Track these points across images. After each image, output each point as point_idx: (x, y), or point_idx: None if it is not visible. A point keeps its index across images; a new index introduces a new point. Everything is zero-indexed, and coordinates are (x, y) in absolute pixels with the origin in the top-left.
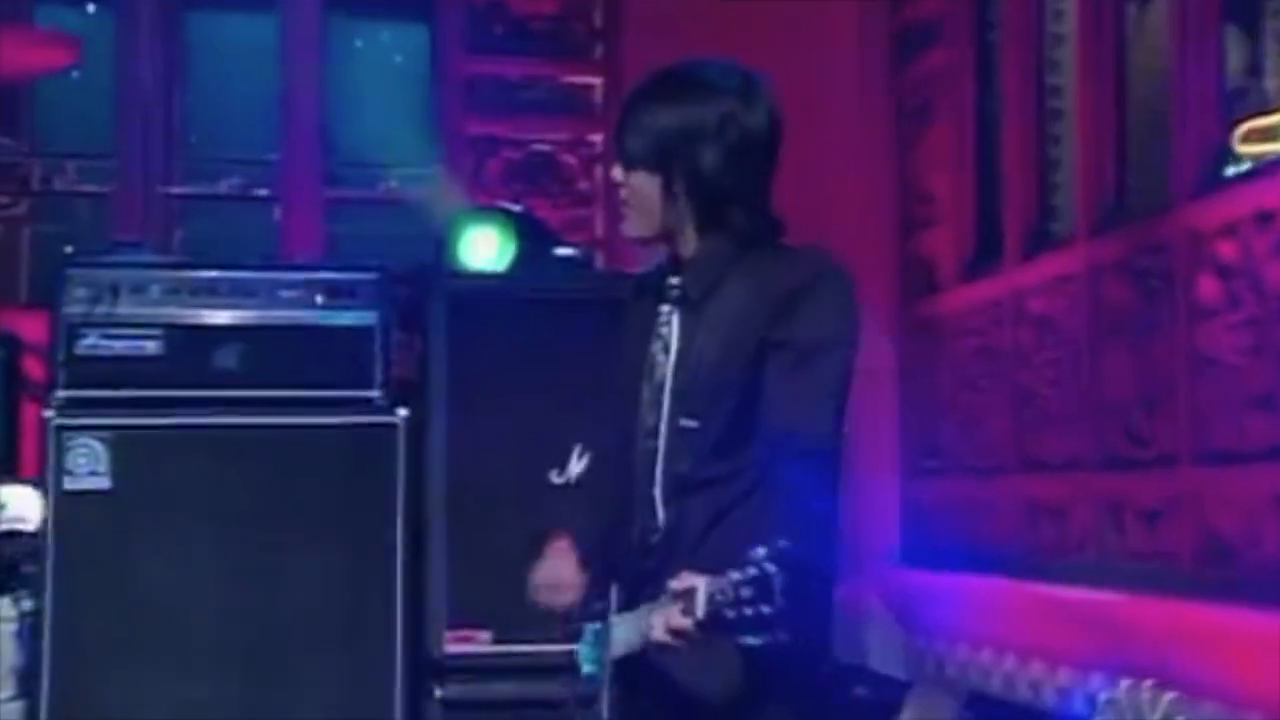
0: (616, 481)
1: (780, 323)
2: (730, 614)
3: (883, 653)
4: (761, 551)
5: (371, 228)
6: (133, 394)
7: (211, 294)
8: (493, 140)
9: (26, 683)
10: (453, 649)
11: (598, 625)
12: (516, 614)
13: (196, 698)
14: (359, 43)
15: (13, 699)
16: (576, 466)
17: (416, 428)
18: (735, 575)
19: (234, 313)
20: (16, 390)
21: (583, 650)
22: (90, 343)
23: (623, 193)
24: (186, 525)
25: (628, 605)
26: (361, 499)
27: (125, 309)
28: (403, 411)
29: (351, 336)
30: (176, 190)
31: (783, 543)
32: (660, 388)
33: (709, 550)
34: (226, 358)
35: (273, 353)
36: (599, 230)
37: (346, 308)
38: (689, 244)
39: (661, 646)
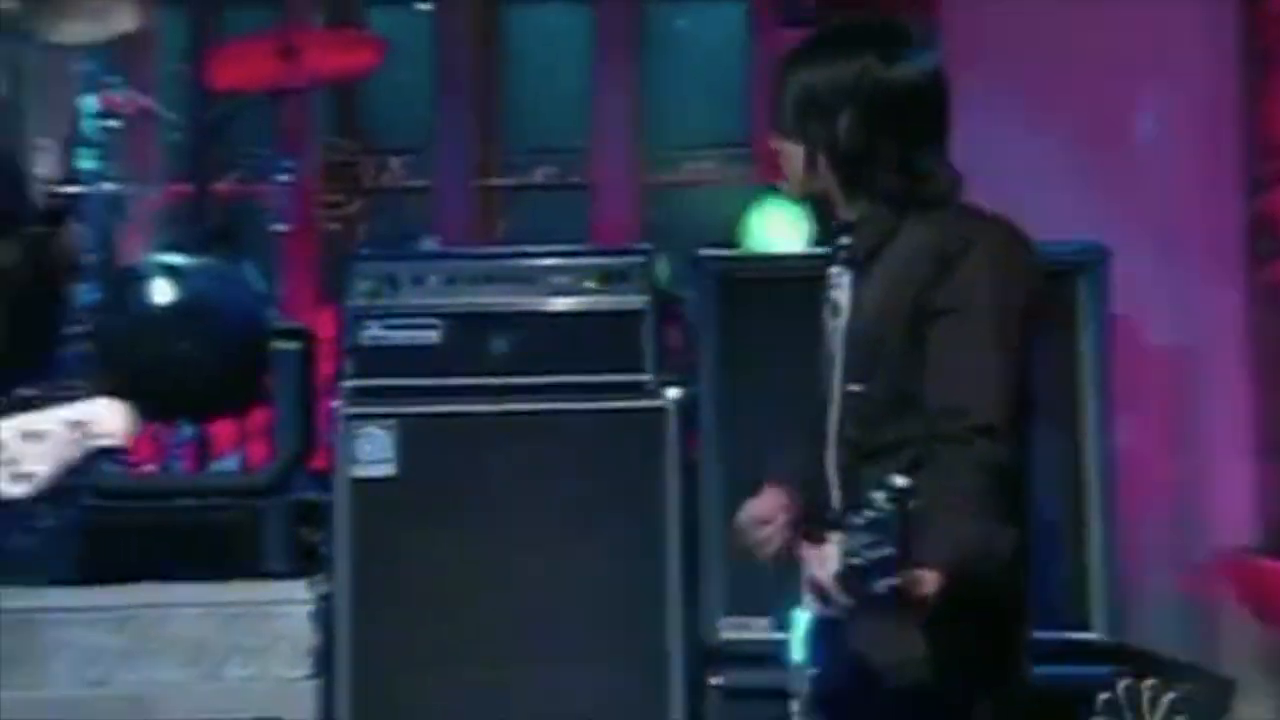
0: (808, 451)
1: (935, 289)
2: (857, 561)
3: (1234, 648)
4: (880, 495)
5: (685, 212)
6: (414, 382)
7: (487, 281)
8: None
9: (321, 662)
10: (730, 636)
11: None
12: (795, 600)
13: (481, 680)
14: (681, 22)
15: (308, 678)
16: None
17: (687, 410)
18: (859, 521)
19: (508, 299)
20: (312, 383)
21: (793, 639)
22: (373, 333)
23: (779, 159)
24: (468, 509)
25: None
26: (635, 482)
27: (405, 299)
28: (673, 394)
29: (622, 320)
30: (495, 182)
31: (900, 481)
32: (832, 354)
33: None
34: (501, 344)
35: (546, 338)
36: None
37: (617, 291)
38: (847, 207)
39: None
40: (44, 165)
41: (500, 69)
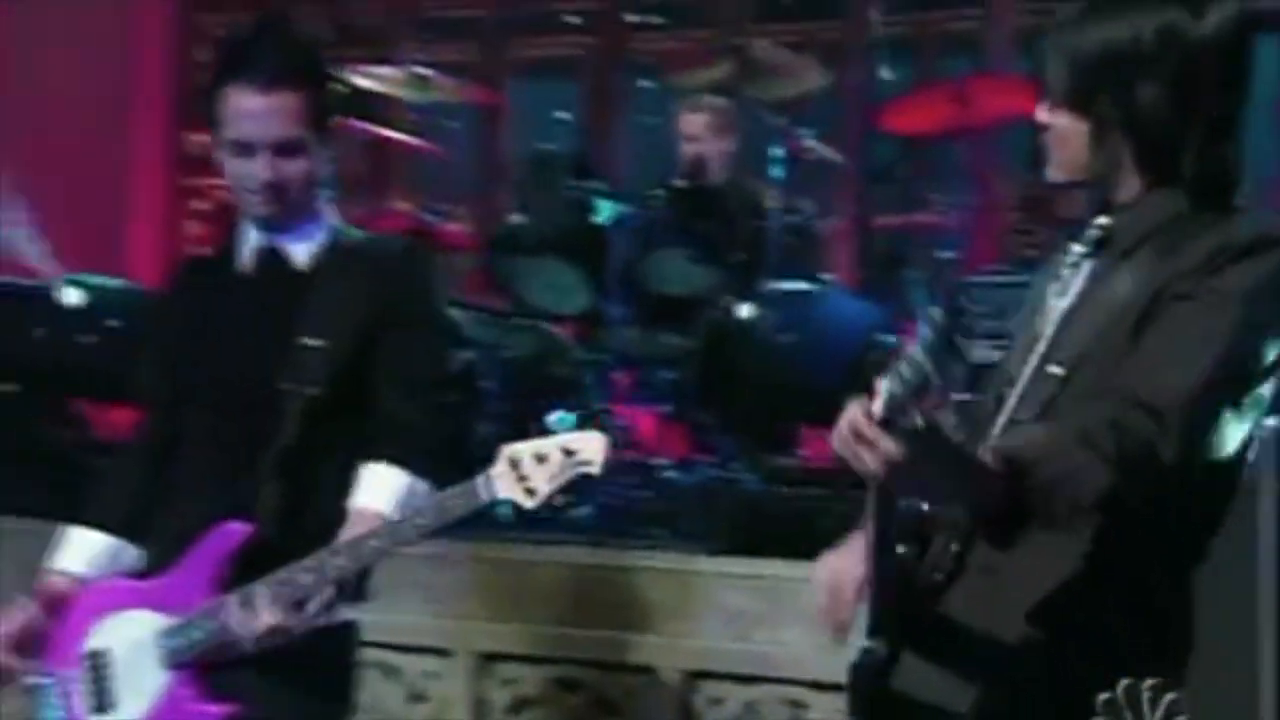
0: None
1: (1195, 276)
2: (898, 389)
3: None
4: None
5: None
6: None
7: None
8: None
9: None
10: None
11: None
12: None
13: None
14: None
15: None
16: None
17: None
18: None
19: None
20: None
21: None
22: None
23: (1045, 137)
24: None
25: None
26: None
27: None
28: None
29: None
30: None
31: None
32: (1040, 333)
33: None
34: None
35: None
36: None
37: None
38: (1128, 190)
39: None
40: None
41: None
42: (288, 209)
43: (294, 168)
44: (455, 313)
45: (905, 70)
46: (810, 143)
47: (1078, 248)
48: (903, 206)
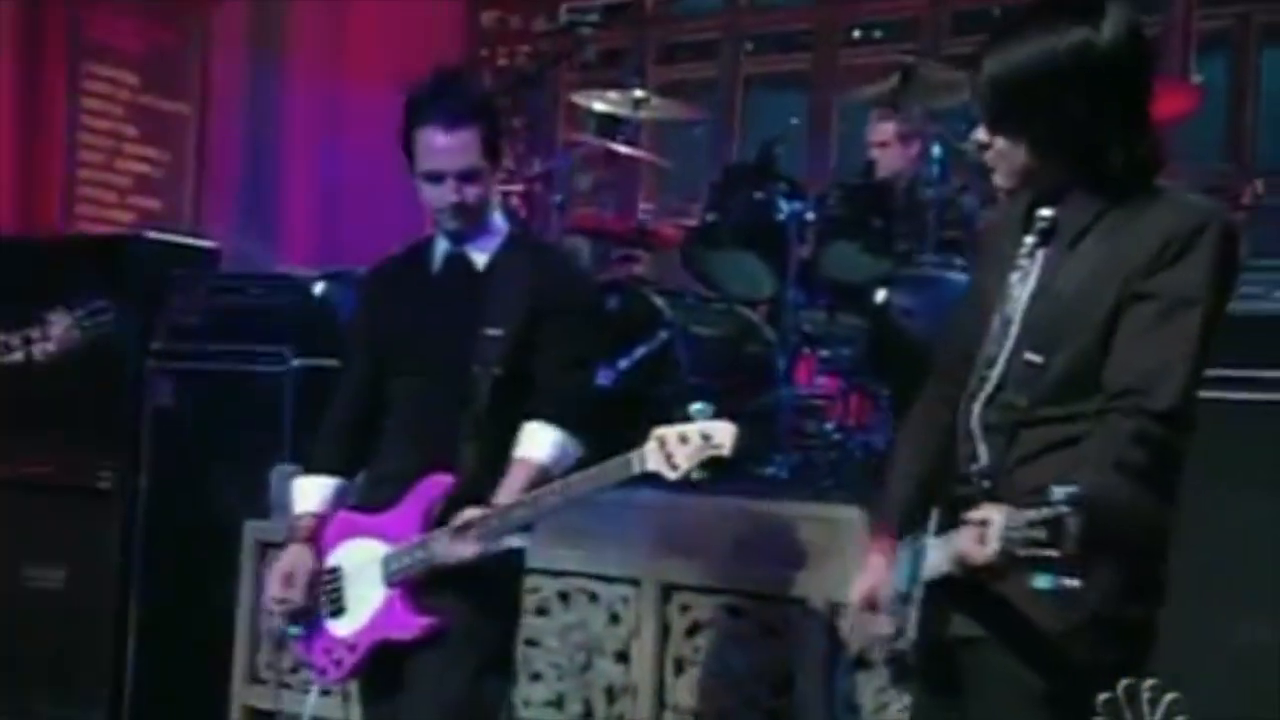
0: (944, 408)
1: (1151, 274)
2: (1021, 552)
3: None
4: (1059, 493)
5: None
6: None
7: None
8: None
9: None
10: None
11: (917, 543)
12: None
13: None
14: None
15: None
16: None
17: None
18: (1031, 514)
19: None
20: None
21: (899, 567)
22: None
23: (988, 155)
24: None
25: (945, 529)
26: None
27: None
28: None
29: None
30: None
31: (1081, 488)
32: (1009, 320)
33: (1021, 485)
34: None
35: None
36: None
37: None
38: (1066, 185)
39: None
40: None
41: None
42: (471, 223)
43: (474, 191)
44: (659, 298)
45: None
46: (967, 144)
47: (1029, 238)
48: None
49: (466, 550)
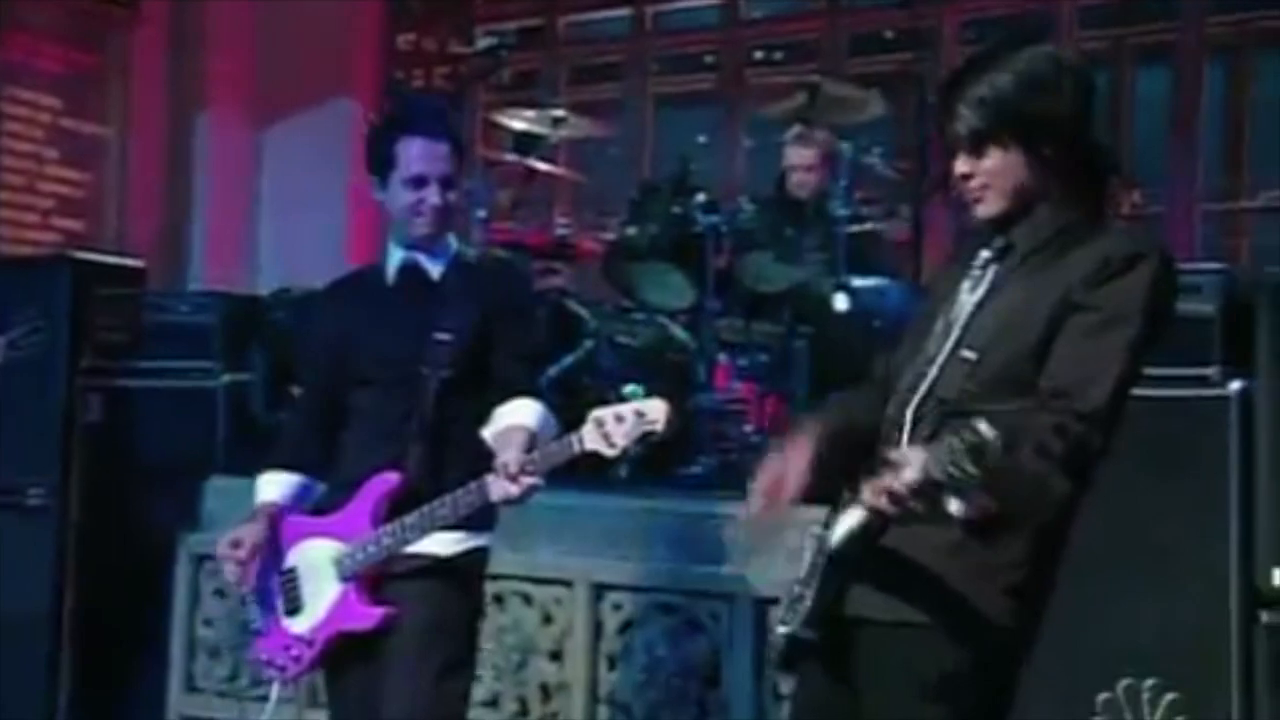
0: (878, 397)
1: (1090, 288)
2: (937, 473)
3: None
4: (984, 425)
5: None
6: None
7: None
8: None
9: None
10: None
11: (795, 592)
12: None
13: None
14: None
15: None
16: None
17: (1246, 400)
18: (954, 440)
19: None
20: None
21: (783, 616)
22: None
23: (974, 183)
24: None
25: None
26: (1201, 456)
27: None
28: (1235, 385)
29: (1192, 325)
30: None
31: (1008, 420)
32: (954, 321)
33: None
34: None
35: None
36: None
37: (1190, 300)
38: (1024, 212)
39: (878, 512)
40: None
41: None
42: (445, 229)
43: (452, 196)
44: (582, 309)
45: None
46: (874, 161)
47: (985, 253)
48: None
49: (514, 490)
